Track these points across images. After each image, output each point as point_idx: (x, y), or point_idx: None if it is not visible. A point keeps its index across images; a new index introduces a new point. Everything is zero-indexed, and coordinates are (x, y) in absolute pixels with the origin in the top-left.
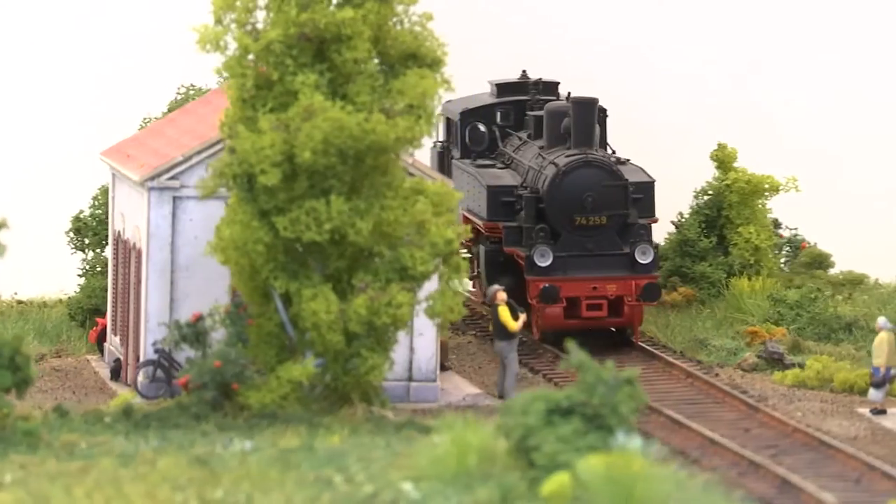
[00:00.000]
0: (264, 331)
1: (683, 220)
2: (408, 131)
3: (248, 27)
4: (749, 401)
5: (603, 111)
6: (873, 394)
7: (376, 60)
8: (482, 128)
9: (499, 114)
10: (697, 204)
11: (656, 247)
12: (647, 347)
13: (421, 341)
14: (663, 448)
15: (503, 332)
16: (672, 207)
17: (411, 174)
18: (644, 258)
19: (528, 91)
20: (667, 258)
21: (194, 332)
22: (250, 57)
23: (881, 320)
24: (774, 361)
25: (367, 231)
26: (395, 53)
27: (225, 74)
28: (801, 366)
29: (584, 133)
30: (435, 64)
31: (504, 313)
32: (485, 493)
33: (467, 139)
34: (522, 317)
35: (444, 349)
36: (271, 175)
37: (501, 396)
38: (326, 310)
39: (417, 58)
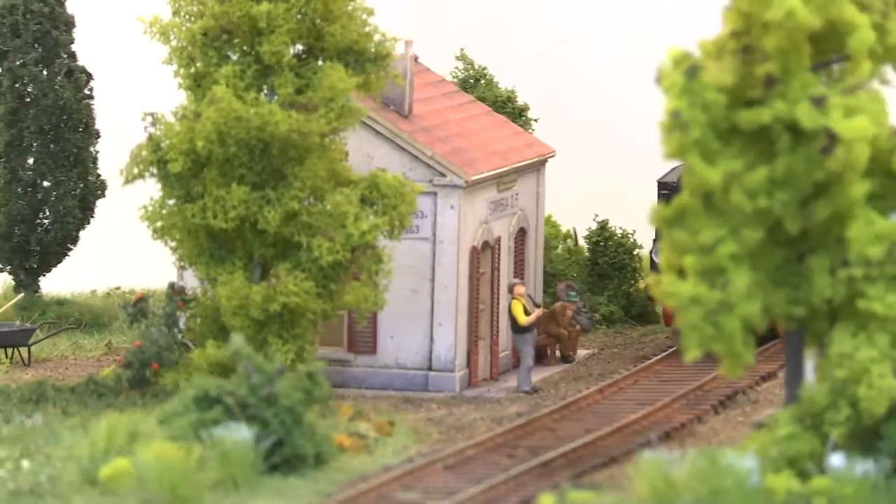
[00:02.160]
0: (206, 312)
1: None
2: (325, 125)
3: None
4: None
5: None
6: None
7: (299, 54)
8: None
9: None
10: None
11: None
12: None
13: (441, 331)
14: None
15: (516, 326)
16: None
17: (429, 164)
18: None
19: None
20: None
21: (138, 312)
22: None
23: None
24: None
25: (277, 220)
26: (331, 48)
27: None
28: None
29: None
30: (379, 59)
31: (516, 307)
32: None
33: None
34: (536, 311)
35: (571, 340)
36: (177, 163)
37: (527, 391)
38: (228, 295)
39: (356, 52)
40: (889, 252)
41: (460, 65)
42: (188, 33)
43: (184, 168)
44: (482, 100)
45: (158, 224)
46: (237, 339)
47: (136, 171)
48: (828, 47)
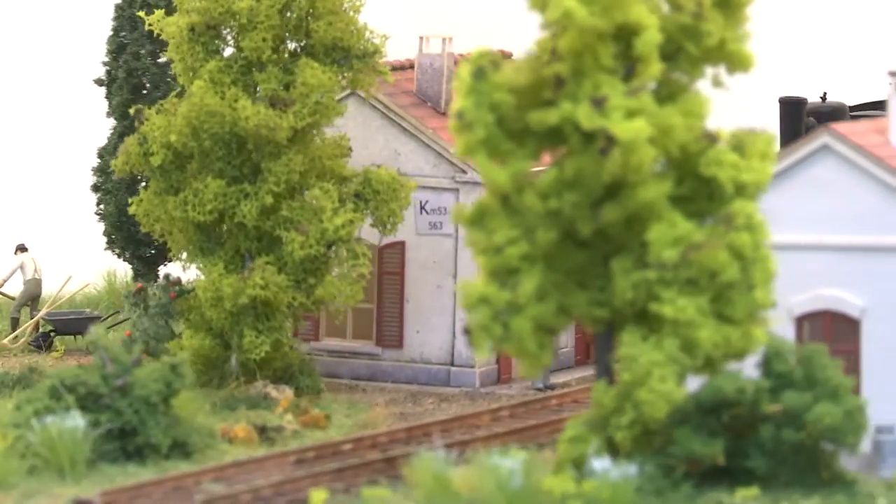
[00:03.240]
0: (197, 304)
1: None
2: (296, 121)
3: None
4: None
5: None
6: None
7: (293, 50)
8: None
9: None
10: None
11: None
12: None
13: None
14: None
15: None
16: None
17: (451, 161)
18: None
19: None
20: None
21: (138, 301)
22: None
23: None
24: None
25: (254, 214)
26: (318, 45)
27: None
28: None
29: None
30: (367, 55)
31: None
32: None
33: None
34: None
35: None
36: (157, 156)
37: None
38: (204, 287)
39: (343, 49)
40: (683, 255)
41: None
42: (178, 29)
43: (165, 161)
44: None
45: (145, 216)
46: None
47: (126, 164)
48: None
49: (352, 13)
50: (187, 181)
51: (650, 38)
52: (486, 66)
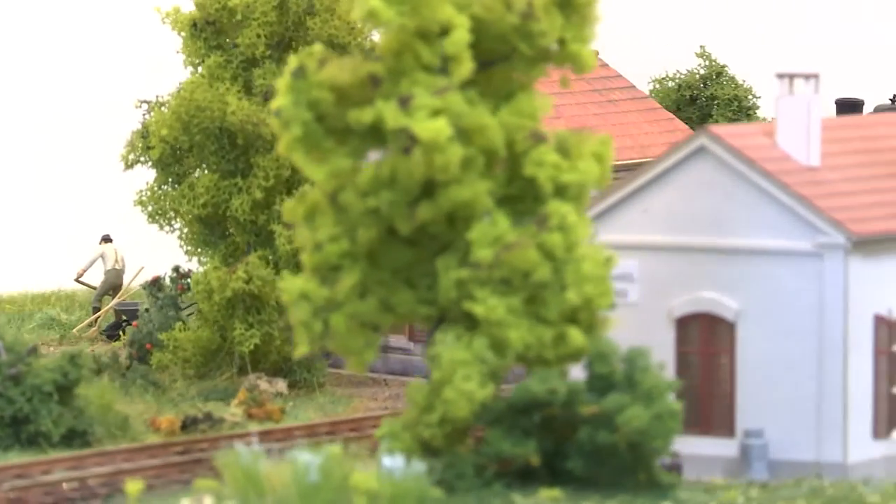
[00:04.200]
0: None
1: None
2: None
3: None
4: None
5: None
6: None
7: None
8: None
9: None
10: None
11: None
12: None
13: None
14: None
15: None
16: None
17: None
18: None
19: None
20: None
21: (153, 291)
22: None
23: None
24: None
25: (245, 208)
26: (312, 41)
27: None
28: None
29: None
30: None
31: None
32: None
33: None
34: None
35: None
36: (156, 150)
37: None
38: (196, 280)
39: (339, 46)
40: (497, 255)
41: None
42: (181, 25)
43: (163, 154)
44: (713, 98)
45: (149, 209)
46: None
47: (130, 157)
48: (489, 48)
49: (342, 9)
50: (186, 175)
51: (458, 38)
52: (306, 65)
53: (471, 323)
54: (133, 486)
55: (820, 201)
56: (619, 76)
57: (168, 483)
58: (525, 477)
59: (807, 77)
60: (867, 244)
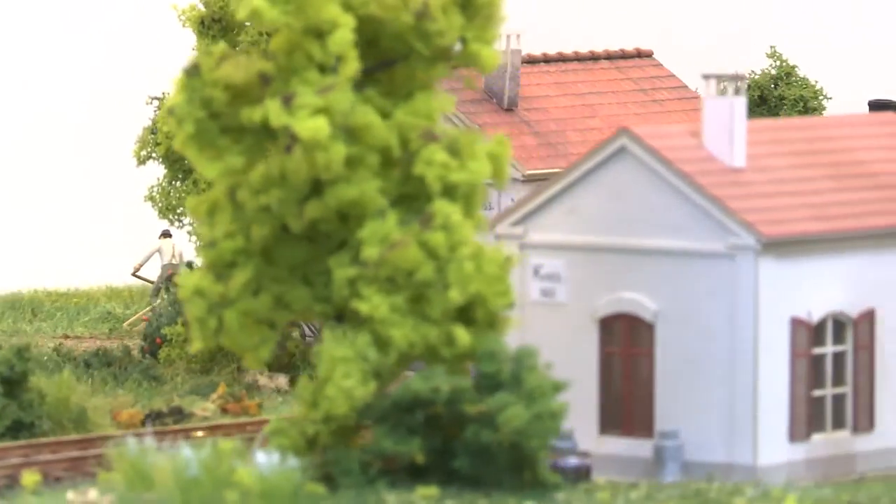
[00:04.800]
0: None
1: None
2: None
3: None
4: None
5: None
6: None
7: None
8: None
9: None
10: None
11: None
12: None
13: None
14: None
15: None
16: None
17: None
18: None
19: None
20: None
21: (168, 286)
22: None
23: None
24: None
25: None
26: None
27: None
28: None
29: None
30: None
31: None
32: None
33: None
34: None
35: None
36: (163, 146)
37: None
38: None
39: None
40: (382, 254)
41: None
42: (191, 23)
43: (169, 150)
44: (782, 98)
45: (159, 204)
46: None
47: (142, 153)
48: (387, 46)
49: None
50: (193, 171)
51: (341, 38)
52: (201, 63)
53: (360, 321)
54: (30, 477)
55: (736, 202)
56: (672, 76)
57: (80, 476)
58: (414, 475)
59: (732, 78)
60: (781, 246)
